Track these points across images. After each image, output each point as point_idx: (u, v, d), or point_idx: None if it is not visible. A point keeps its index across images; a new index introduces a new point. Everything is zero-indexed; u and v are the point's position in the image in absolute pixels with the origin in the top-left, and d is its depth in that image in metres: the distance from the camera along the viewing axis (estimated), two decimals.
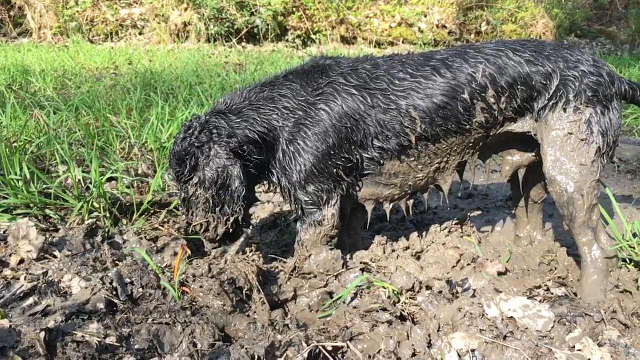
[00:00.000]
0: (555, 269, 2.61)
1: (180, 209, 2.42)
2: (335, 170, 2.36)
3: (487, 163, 2.64)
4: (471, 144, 2.46)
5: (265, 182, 2.53)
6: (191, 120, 2.37)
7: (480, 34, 13.67)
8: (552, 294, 2.39)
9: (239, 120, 2.33)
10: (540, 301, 2.25)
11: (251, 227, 3.10)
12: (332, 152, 2.33)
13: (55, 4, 12.37)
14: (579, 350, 1.91)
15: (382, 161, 2.41)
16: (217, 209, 2.31)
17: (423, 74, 2.35)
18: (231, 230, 2.36)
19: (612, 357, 1.89)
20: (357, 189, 2.49)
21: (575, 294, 2.39)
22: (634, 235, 2.56)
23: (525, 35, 13.45)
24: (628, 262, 2.52)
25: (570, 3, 14.80)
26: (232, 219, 2.32)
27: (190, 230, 2.44)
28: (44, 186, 3.07)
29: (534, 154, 2.53)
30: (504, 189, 3.78)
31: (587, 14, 15.11)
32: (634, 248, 2.51)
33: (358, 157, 2.38)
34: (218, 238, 2.37)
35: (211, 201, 2.29)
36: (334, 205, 2.41)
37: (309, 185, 2.36)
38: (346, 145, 2.34)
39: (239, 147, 2.28)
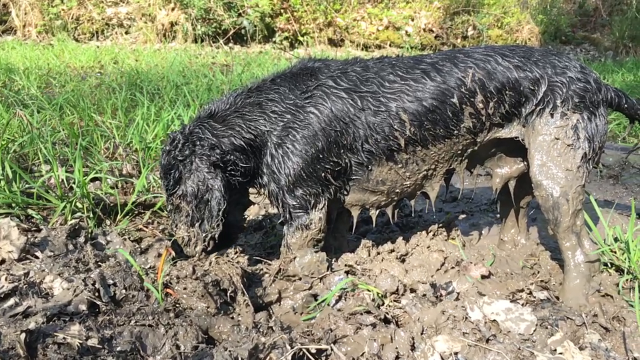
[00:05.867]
0: (538, 272, 2.63)
1: (169, 219, 2.46)
2: (323, 174, 2.35)
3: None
4: (459, 151, 2.46)
5: (257, 185, 2.52)
6: (176, 131, 2.39)
7: (466, 38, 13.78)
8: (535, 297, 2.41)
9: (224, 128, 2.33)
10: (522, 304, 2.27)
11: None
12: (321, 156, 2.32)
13: (40, 1, 12.23)
14: (560, 354, 1.93)
15: (370, 166, 2.41)
16: (197, 224, 2.33)
17: (413, 76, 2.35)
18: (209, 247, 2.37)
19: None
20: (345, 193, 2.49)
21: (557, 298, 2.42)
22: (615, 240, 2.59)
23: (510, 41, 13.58)
24: (609, 266, 2.55)
25: (555, 9, 14.96)
26: (209, 236, 2.33)
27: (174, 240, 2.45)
28: (26, 185, 3.04)
29: (522, 164, 2.54)
30: (488, 193, 3.80)
31: (572, 20, 15.28)
32: (615, 252, 2.54)
33: (347, 160, 2.38)
34: (196, 254, 2.37)
35: (191, 215, 2.32)
36: (321, 209, 2.41)
37: (297, 188, 2.35)
38: (335, 148, 2.34)
39: (220, 159, 2.28)
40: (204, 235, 2.33)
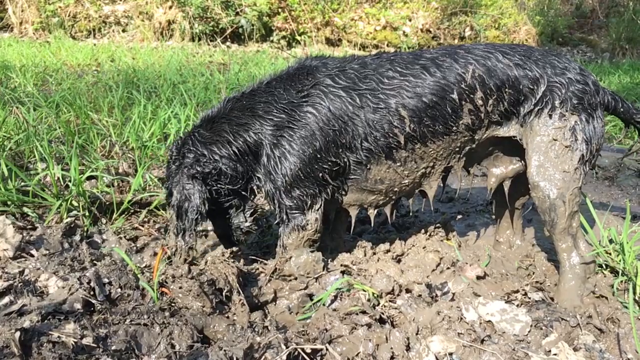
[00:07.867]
0: (533, 273, 2.64)
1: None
2: (321, 174, 2.34)
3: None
4: (457, 148, 2.46)
5: (254, 186, 2.52)
6: (174, 142, 2.48)
7: (463, 39, 13.79)
8: (530, 298, 2.41)
9: (210, 136, 2.36)
10: (517, 305, 2.28)
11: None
12: (319, 156, 2.31)
13: None
14: (555, 354, 1.94)
15: (368, 165, 2.40)
16: (180, 235, 2.38)
17: (412, 72, 2.33)
18: (189, 260, 2.40)
19: None
20: (343, 193, 2.48)
21: (552, 299, 2.42)
22: (610, 241, 2.60)
23: (507, 42, 13.59)
24: (604, 267, 2.56)
25: (552, 11, 15.00)
26: (187, 247, 2.39)
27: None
28: (22, 183, 3.03)
29: (519, 164, 2.54)
30: (484, 194, 3.81)
31: (569, 22, 15.32)
32: (610, 254, 2.55)
33: (345, 160, 2.37)
34: (182, 264, 2.39)
35: (175, 225, 2.38)
36: (318, 209, 2.40)
37: (294, 189, 2.34)
38: (333, 148, 2.32)
39: (202, 171, 2.33)
40: (186, 246, 2.39)
